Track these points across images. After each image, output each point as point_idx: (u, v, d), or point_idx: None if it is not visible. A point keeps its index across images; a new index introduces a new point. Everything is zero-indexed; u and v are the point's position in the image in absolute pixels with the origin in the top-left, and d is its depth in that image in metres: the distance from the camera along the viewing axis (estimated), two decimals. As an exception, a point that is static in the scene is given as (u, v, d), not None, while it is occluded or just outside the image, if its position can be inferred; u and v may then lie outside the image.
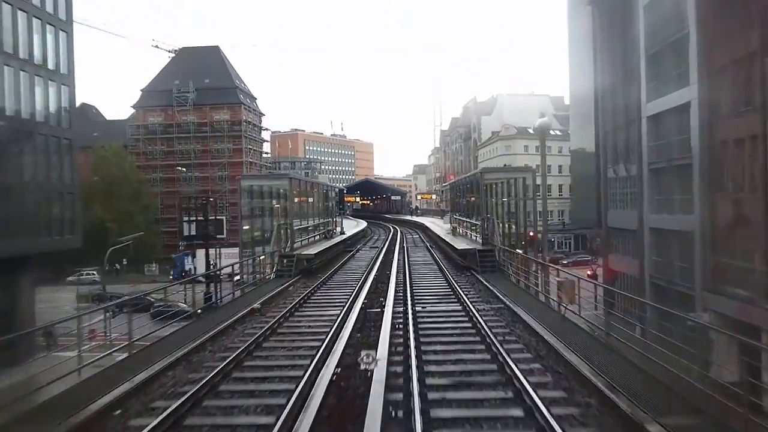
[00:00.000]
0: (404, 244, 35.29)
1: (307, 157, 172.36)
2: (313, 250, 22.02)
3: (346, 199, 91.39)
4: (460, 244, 22.17)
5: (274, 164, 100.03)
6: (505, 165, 65.34)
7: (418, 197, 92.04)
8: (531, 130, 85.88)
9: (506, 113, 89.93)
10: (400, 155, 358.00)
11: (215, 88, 79.06)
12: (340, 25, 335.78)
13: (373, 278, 18.87)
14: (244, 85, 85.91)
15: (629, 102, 36.16)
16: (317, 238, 28.94)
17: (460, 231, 29.85)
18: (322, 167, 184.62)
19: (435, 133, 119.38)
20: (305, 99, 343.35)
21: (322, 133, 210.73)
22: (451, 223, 33.43)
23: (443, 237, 29.88)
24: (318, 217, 29.19)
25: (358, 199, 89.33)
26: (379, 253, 29.14)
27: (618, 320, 11.95)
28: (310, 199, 27.38)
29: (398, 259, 25.52)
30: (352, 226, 49.98)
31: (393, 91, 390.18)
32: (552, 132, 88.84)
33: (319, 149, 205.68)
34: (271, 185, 23.48)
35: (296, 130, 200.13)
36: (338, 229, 35.53)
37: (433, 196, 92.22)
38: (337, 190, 35.92)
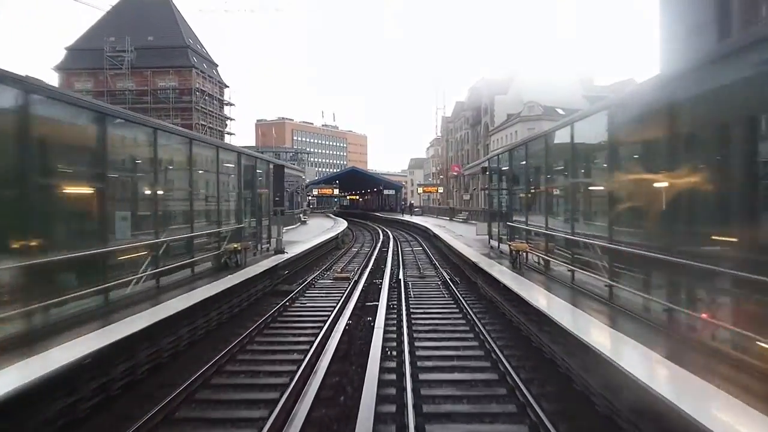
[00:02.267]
0: (400, 274, 18.38)
1: (294, 147, 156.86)
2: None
3: (322, 192, 74.83)
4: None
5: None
6: None
7: (419, 191, 74.70)
8: (561, 110, 69.59)
9: (527, 92, 73.28)
10: (396, 151, 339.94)
11: (160, 47, 61.71)
12: (337, 12, 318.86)
13: None
14: (201, 46, 68.46)
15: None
16: (187, 274, 11.92)
17: (538, 261, 12.87)
18: (311, 159, 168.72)
19: (437, 117, 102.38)
20: (296, 89, 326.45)
21: (312, 123, 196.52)
22: (501, 239, 16.41)
23: (494, 274, 12.94)
24: (188, 222, 11.89)
25: (336, 191, 72.13)
26: (343, 309, 12.21)
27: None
28: (145, 176, 10.22)
29: (387, 363, 8.72)
30: (322, 231, 33.05)
31: (389, 84, 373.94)
32: (583, 114, 72.58)
33: (308, 140, 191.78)
34: None
35: (284, 118, 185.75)
36: (272, 242, 18.51)
37: (439, 190, 74.90)
38: (270, 166, 18.33)
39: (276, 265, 15.50)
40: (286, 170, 19.94)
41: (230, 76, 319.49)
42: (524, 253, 12.97)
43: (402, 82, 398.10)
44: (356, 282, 16.60)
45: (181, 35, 63.79)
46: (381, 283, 16.10)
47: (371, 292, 15.20)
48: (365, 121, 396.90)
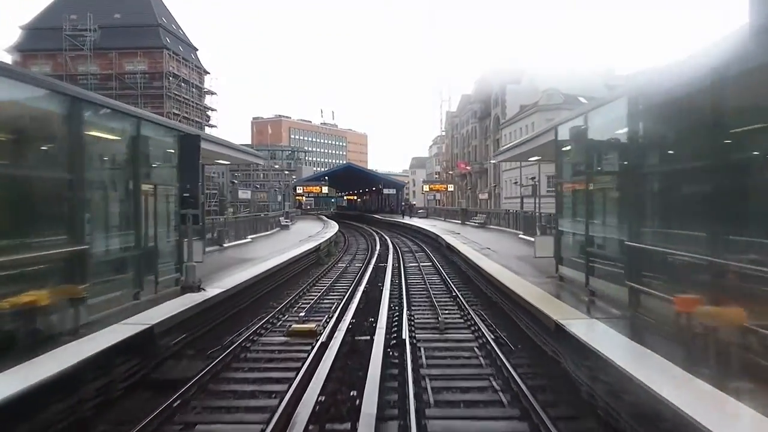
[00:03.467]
0: (403, 325, 10.49)
1: (292, 146, 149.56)
2: None
3: (308, 190, 66.72)
4: None
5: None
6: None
7: (425, 189, 66.85)
8: (583, 99, 61.91)
9: (542, 80, 65.56)
10: (397, 151, 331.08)
11: (128, 26, 54.05)
12: (337, 9, 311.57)
13: None
14: (176, 26, 60.65)
15: None
16: None
17: None
18: (310, 158, 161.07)
19: (441, 111, 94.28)
20: (294, 87, 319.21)
21: (310, 121, 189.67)
22: (591, 269, 8.65)
23: (668, 398, 5.21)
24: None
25: (325, 189, 64.31)
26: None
27: None
28: None
29: None
30: (302, 239, 25.50)
31: (390, 82, 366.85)
32: (607, 105, 64.98)
33: (306, 138, 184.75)
34: None
35: (280, 116, 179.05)
36: (183, 272, 10.76)
37: (449, 187, 66.98)
38: (180, 137, 10.49)
39: (148, 328, 7.68)
40: (219, 149, 12.13)
41: (228, 74, 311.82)
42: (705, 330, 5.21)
43: (403, 80, 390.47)
44: (325, 345, 8.90)
45: (152, 13, 56.06)
46: (369, 354, 8.36)
47: (346, 382, 7.46)
48: (365, 120, 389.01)
